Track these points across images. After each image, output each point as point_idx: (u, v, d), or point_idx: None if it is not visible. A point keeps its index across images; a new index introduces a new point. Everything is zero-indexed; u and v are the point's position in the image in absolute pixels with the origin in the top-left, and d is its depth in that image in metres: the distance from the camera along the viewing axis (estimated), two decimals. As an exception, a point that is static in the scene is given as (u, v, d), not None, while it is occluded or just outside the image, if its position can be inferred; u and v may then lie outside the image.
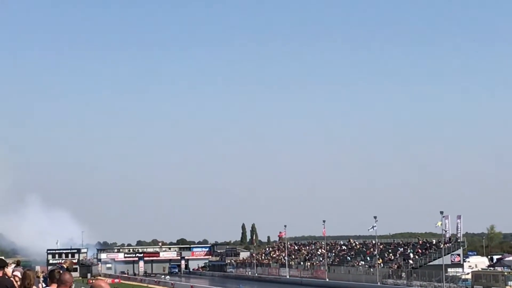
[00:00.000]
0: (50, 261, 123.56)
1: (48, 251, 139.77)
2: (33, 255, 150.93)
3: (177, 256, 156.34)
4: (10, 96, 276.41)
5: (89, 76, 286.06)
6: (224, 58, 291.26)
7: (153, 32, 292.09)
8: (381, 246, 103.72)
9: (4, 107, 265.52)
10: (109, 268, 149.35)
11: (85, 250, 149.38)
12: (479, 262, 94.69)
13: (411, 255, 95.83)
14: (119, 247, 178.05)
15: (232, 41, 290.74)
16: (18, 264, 20.38)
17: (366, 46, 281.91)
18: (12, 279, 12.10)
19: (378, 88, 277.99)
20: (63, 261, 17.27)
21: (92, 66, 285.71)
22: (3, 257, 13.56)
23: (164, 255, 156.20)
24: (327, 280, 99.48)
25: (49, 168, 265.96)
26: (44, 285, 12.60)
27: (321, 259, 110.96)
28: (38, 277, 13.42)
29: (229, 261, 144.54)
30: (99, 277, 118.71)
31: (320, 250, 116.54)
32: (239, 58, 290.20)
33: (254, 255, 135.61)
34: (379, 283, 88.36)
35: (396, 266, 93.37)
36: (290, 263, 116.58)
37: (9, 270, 12.55)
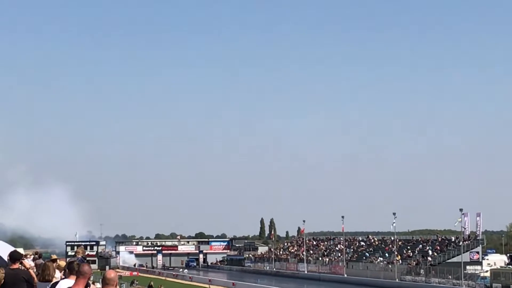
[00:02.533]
0: (69, 253, 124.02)
1: (67, 243, 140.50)
2: (51, 247, 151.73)
3: (195, 249, 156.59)
4: (22, 93, 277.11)
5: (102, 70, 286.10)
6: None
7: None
8: (399, 243, 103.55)
9: (22, 101, 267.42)
10: (127, 261, 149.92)
11: (103, 243, 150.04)
12: (498, 260, 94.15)
13: (430, 252, 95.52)
14: (137, 240, 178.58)
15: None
16: (40, 256, 20.42)
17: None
18: (30, 270, 12.11)
19: (394, 82, 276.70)
20: (75, 251, 17.33)
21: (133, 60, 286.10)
22: (17, 249, 13.51)
23: (182, 248, 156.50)
24: (345, 276, 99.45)
25: (68, 161, 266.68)
26: (63, 277, 12.58)
27: (339, 255, 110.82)
28: (60, 268, 13.40)
29: (247, 255, 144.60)
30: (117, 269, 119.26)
31: (338, 246, 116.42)
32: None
33: (272, 249, 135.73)
34: (397, 279, 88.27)
35: (414, 262, 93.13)
36: (309, 258, 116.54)
37: (27, 261, 12.57)
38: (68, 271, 10.57)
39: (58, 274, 12.72)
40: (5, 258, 13.03)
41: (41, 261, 16.97)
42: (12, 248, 13.90)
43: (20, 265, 11.86)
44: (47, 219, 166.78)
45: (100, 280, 9.18)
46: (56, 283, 10.73)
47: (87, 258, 18.85)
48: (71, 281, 9.72)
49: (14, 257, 11.98)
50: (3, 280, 10.09)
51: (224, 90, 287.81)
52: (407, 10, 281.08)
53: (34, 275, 11.81)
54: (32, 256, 19.02)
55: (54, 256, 16.41)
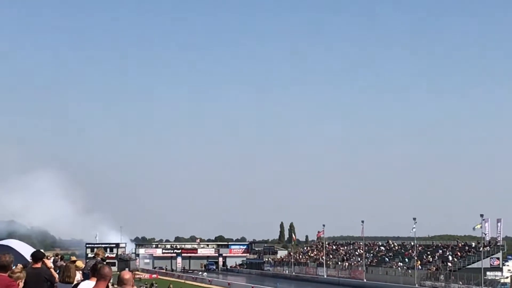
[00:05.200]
0: (89, 255, 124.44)
1: (87, 245, 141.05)
2: (71, 248, 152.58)
3: (214, 253, 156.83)
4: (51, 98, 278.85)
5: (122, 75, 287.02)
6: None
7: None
8: (419, 248, 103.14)
9: (45, 110, 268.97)
10: (147, 263, 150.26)
11: (123, 245, 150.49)
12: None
13: (450, 257, 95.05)
14: (157, 243, 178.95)
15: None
16: (61, 258, 20.60)
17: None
18: (51, 270, 12.24)
19: (416, 88, 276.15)
20: (94, 253, 17.39)
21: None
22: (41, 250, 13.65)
23: (202, 251, 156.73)
24: (365, 280, 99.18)
25: (88, 165, 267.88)
26: (82, 278, 12.70)
27: (359, 260, 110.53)
28: (78, 269, 13.51)
29: (266, 259, 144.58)
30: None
31: (358, 251, 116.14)
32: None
33: (292, 254, 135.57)
34: (417, 285, 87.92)
35: (434, 268, 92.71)
36: (328, 262, 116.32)
37: (49, 262, 12.70)
38: (91, 272, 10.67)
39: (78, 276, 12.84)
40: (27, 258, 13.20)
41: (62, 262, 17.11)
42: (32, 249, 14.05)
43: (42, 265, 12.00)
44: (67, 221, 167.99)
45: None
46: (77, 284, 10.84)
47: (107, 260, 18.96)
48: (92, 282, 9.81)
49: (37, 256, 12.11)
50: (24, 279, 10.18)
51: (245, 98, 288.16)
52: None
53: (55, 275, 11.93)
54: (53, 258, 19.18)
55: (74, 258, 16.56)
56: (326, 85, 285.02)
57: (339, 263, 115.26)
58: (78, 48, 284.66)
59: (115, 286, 9.08)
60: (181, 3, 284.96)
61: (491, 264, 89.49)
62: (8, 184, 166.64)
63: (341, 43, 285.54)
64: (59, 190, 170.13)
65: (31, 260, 12.96)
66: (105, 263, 13.03)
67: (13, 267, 10.36)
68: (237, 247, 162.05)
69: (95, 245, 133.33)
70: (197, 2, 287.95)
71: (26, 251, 13.50)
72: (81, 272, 13.75)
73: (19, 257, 12.31)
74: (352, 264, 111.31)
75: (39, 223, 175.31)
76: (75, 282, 11.63)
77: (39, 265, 11.92)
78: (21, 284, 10.24)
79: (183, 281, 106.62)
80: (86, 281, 10.42)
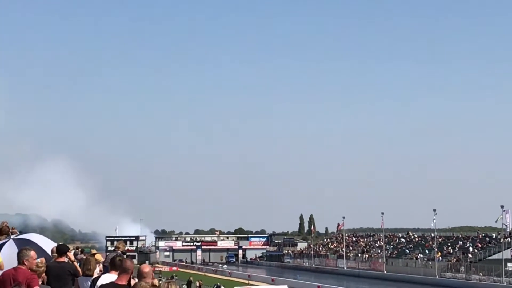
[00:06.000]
0: (109, 248, 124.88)
1: (107, 238, 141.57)
2: (91, 241, 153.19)
3: (234, 245, 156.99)
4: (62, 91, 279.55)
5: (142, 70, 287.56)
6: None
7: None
8: (440, 240, 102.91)
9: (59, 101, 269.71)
10: (167, 256, 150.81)
11: (143, 238, 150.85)
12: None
13: (470, 249, 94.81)
14: (177, 235, 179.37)
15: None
16: (81, 251, 20.67)
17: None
18: (75, 263, 12.26)
19: (435, 80, 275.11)
20: (115, 246, 17.34)
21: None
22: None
23: (221, 244, 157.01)
24: (385, 272, 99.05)
25: (109, 157, 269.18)
26: (102, 271, 12.72)
27: (379, 251, 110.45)
28: (98, 262, 13.54)
29: (286, 251, 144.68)
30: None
31: (378, 242, 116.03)
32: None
33: (311, 246, 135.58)
34: (437, 276, 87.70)
35: (455, 259, 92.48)
36: (348, 254, 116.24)
37: (72, 255, 12.72)
38: (110, 266, 10.69)
39: (97, 269, 12.87)
40: (49, 251, 13.21)
41: (82, 255, 17.16)
42: (52, 243, 14.07)
43: (66, 258, 12.02)
44: (87, 214, 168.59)
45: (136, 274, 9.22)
46: (98, 277, 10.87)
47: (127, 253, 19.00)
48: (113, 276, 9.83)
49: (61, 250, 12.13)
50: (44, 273, 10.22)
51: (270, 87, 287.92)
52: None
53: (79, 268, 11.95)
54: (73, 251, 19.24)
55: (94, 251, 16.62)
56: (338, 86, 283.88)
57: (359, 255, 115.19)
58: (91, 35, 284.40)
59: (135, 279, 9.10)
60: None
61: (511, 255, 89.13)
62: (21, 177, 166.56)
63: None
64: (79, 185, 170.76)
65: (52, 254, 12.99)
66: (125, 256, 13.03)
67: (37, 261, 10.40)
68: (257, 239, 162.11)
69: (115, 238, 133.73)
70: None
71: (47, 245, 13.48)
72: (101, 265, 13.78)
73: (40, 251, 12.29)
74: (372, 256, 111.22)
75: (57, 216, 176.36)
76: (95, 275, 11.66)
77: (63, 259, 11.94)
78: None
79: (203, 273, 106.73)
80: (107, 274, 10.44)
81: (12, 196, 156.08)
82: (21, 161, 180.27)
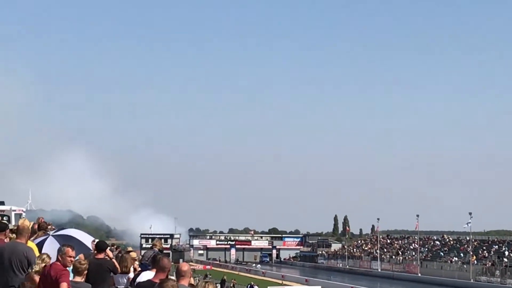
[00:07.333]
0: (144, 245, 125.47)
1: (142, 235, 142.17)
2: (126, 239, 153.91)
3: (268, 245, 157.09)
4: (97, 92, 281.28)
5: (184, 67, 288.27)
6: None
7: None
8: (475, 243, 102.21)
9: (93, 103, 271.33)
10: (201, 255, 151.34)
11: (177, 236, 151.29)
12: None
13: (506, 252, 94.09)
14: (211, 234, 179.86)
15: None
16: (116, 248, 20.95)
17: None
18: (114, 260, 12.43)
19: (473, 79, 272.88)
20: (152, 243, 17.45)
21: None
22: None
23: (255, 243, 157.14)
24: (419, 275, 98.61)
25: (144, 157, 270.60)
26: (139, 269, 12.88)
27: (413, 254, 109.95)
28: (134, 259, 13.70)
29: (320, 252, 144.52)
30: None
31: (413, 245, 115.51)
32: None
33: (345, 247, 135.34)
34: (472, 280, 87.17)
35: (490, 263, 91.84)
36: (382, 256, 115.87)
37: (110, 252, 12.89)
38: (152, 264, 10.84)
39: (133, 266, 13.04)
40: (89, 245, 13.43)
41: (116, 252, 17.39)
42: (91, 237, 14.28)
43: (104, 255, 12.20)
44: (121, 211, 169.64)
45: (174, 273, 9.34)
46: (137, 275, 11.04)
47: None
48: (152, 273, 9.98)
49: (101, 247, 12.32)
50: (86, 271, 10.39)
51: (304, 89, 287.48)
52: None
53: (117, 265, 12.12)
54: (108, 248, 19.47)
55: (129, 248, 16.78)
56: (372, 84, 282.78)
57: (393, 257, 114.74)
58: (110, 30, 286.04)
59: (173, 277, 9.19)
60: None
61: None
62: (47, 171, 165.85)
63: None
64: (114, 182, 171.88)
65: (92, 249, 13.20)
66: (162, 254, 13.18)
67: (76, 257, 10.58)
68: (291, 239, 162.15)
69: (150, 236, 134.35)
70: None
71: (87, 239, 13.70)
72: (136, 262, 13.95)
73: (81, 245, 12.51)
74: (407, 258, 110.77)
75: (93, 213, 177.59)
76: (135, 273, 11.85)
77: (102, 255, 12.12)
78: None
79: (236, 272, 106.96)
80: (147, 272, 10.59)
81: (41, 191, 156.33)
82: (46, 155, 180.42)
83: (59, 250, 10.16)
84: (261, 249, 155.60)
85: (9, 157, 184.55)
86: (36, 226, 15.15)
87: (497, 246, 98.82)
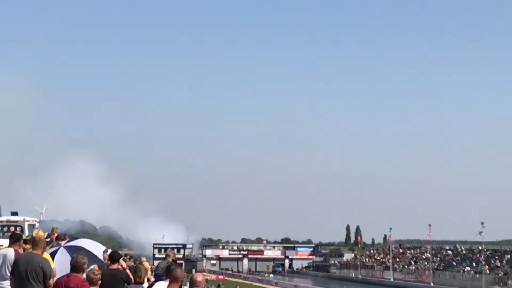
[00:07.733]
0: (156, 256, 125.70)
1: (154, 246, 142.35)
2: (139, 249, 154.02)
3: (281, 255, 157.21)
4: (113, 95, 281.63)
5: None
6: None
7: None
8: (487, 253, 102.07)
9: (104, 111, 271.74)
10: (213, 265, 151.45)
11: (190, 246, 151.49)
12: None
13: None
14: (223, 244, 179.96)
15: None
16: (129, 258, 21.18)
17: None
18: (127, 271, 12.58)
19: (491, 88, 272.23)
20: (165, 254, 17.57)
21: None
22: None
23: (268, 253, 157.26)
24: (432, 284, 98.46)
25: (155, 165, 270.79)
26: (153, 279, 13.06)
27: (426, 263, 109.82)
28: (147, 270, 13.88)
29: (333, 262, 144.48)
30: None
31: (425, 254, 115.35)
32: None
33: (358, 256, 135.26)
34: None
35: (502, 273, 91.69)
36: (395, 266, 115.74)
37: (124, 263, 13.06)
38: (166, 274, 11.00)
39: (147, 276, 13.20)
40: (100, 257, 13.57)
41: (130, 263, 17.56)
42: (102, 246, 14.44)
43: (118, 266, 12.37)
44: (133, 221, 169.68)
45: (187, 283, 9.48)
46: (151, 285, 11.19)
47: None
48: (165, 283, 10.11)
49: (114, 257, 12.47)
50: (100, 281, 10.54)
51: (316, 93, 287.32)
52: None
53: (131, 276, 12.27)
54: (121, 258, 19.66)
55: (143, 259, 16.94)
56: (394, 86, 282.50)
57: (406, 266, 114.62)
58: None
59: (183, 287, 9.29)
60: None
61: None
62: (56, 179, 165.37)
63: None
64: (124, 191, 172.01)
65: (104, 259, 13.36)
66: (175, 264, 13.34)
67: (88, 268, 10.76)
68: (304, 249, 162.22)
69: (163, 246, 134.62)
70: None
71: (98, 250, 13.85)
72: (149, 272, 14.11)
73: (92, 257, 12.67)
74: (419, 267, 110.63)
75: (105, 222, 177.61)
76: (148, 283, 12.01)
77: (115, 266, 12.28)
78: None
79: (249, 282, 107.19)
80: (161, 282, 10.73)
81: (52, 201, 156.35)
82: (56, 164, 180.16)
83: (82, 263, 10.35)
84: (273, 259, 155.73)
85: (21, 167, 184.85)
86: (54, 237, 15.44)
87: (509, 256, 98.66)
